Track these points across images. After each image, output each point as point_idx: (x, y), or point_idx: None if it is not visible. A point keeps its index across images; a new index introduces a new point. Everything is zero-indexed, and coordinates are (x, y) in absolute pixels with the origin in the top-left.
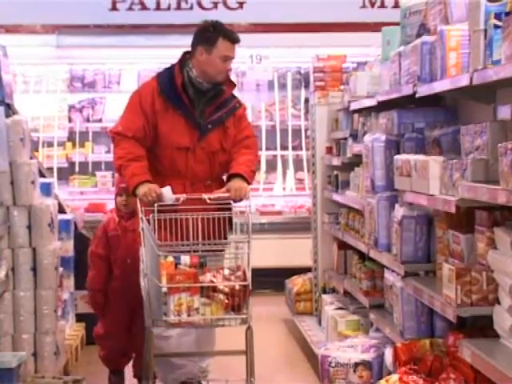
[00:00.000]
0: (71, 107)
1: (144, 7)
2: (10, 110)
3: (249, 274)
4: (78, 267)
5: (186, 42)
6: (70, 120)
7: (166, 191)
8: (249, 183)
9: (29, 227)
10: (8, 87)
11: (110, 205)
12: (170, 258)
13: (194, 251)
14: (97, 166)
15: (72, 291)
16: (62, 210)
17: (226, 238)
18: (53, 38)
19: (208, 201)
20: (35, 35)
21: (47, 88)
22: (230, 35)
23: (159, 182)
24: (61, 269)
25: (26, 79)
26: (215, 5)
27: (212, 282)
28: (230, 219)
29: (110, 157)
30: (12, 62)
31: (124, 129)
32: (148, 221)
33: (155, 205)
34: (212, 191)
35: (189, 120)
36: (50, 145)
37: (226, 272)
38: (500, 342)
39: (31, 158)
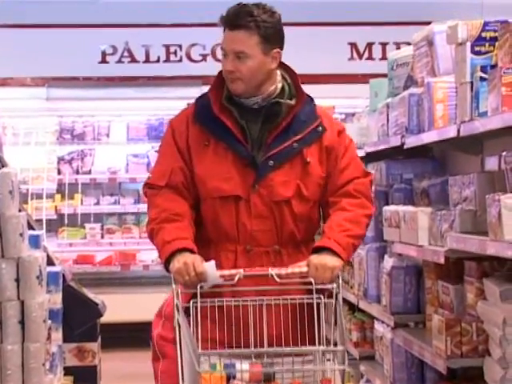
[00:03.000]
0: (60, 159)
1: (133, 59)
2: None
3: None
4: (66, 320)
5: (175, 93)
6: (59, 172)
7: (210, 268)
8: (344, 258)
9: (17, 280)
10: None
11: (99, 257)
12: (219, 369)
13: (257, 356)
14: (86, 217)
15: (60, 344)
16: (50, 262)
17: (303, 340)
18: (42, 90)
19: (277, 279)
20: (25, 88)
21: (36, 140)
22: (225, 19)
23: (204, 250)
24: (49, 321)
25: (15, 131)
26: (204, 57)
27: None
28: (318, 307)
29: (98, 209)
30: (2, 114)
31: (155, 178)
32: (187, 310)
33: (198, 286)
34: (283, 262)
35: (238, 155)
36: (39, 197)
37: None
38: None
39: (20, 210)
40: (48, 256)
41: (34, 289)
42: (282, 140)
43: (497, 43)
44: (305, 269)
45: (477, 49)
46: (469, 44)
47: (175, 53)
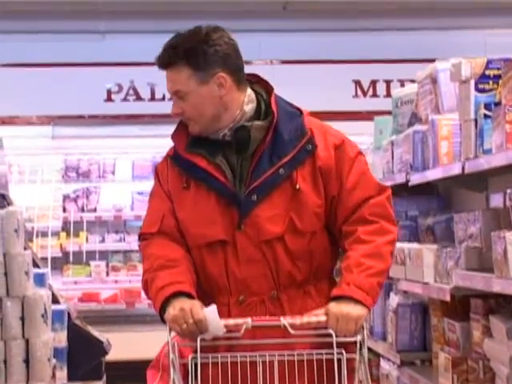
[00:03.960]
0: (66, 197)
1: (139, 97)
2: (4, 200)
3: None
4: (71, 358)
5: None
6: (64, 210)
7: (210, 314)
8: (368, 305)
9: (22, 318)
10: (3, 178)
11: (104, 294)
12: None
13: None
14: (91, 255)
15: (65, 383)
16: (55, 300)
17: None
18: (48, 129)
19: (291, 331)
20: (31, 126)
21: (42, 178)
22: (156, 60)
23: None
24: (54, 360)
25: (21, 169)
26: None
27: None
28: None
29: (103, 246)
30: (8, 152)
31: (147, 226)
32: (184, 367)
33: (198, 338)
34: (283, 310)
35: (220, 194)
36: (45, 235)
37: None
38: None
39: (25, 248)
40: (53, 294)
41: (39, 327)
42: (265, 167)
43: (500, 81)
44: (323, 318)
45: (480, 86)
46: (473, 82)
47: None
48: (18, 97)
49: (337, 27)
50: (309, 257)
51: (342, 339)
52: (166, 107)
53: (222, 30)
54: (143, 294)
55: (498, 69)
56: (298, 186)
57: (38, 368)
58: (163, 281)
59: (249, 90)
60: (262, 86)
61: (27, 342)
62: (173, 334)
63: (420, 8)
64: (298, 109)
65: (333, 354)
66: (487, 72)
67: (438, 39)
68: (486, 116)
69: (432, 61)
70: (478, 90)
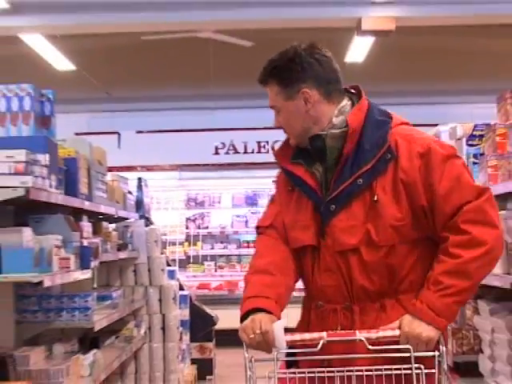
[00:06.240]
0: (188, 219)
1: (236, 151)
2: (148, 221)
3: None
4: (192, 327)
5: (264, 174)
6: (187, 227)
7: (277, 328)
8: (441, 327)
9: (160, 300)
10: (147, 206)
11: (213, 284)
12: None
13: None
14: (205, 258)
15: (188, 343)
16: (181, 288)
17: None
18: (176, 173)
19: (369, 346)
20: (164, 172)
21: (172, 206)
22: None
23: (307, 309)
24: (181, 328)
25: (158, 201)
26: None
27: None
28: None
29: (213, 252)
30: (150, 189)
31: (262, 219)
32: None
33: (275, 354)
34: (354, 322)
35: (312, 201)
36: (174, 244)
37: None
38: (484, 381)
39: (161, 253)
40: (180, 284)
41: (171, 306)
42: (346, 177)
43: (484, 138)
44: (397, 332)
45: (470, 142)
46: (464, 139)
47: (264, 146)
48: (156, 152)
49: None
50: (386, 270)
51: (420, 354)
52: (255, 157)
53: (313, 47)
54: (239, 284)
55: (482, 130)
56: (375, 198)
57: (170, 333)
58: (253, 290)
59: (344, 102)
60: (359, 98)
61: (163, 316)
62: (249, 354)
63: (428, 90)
64: (390, 117)
65: (411, 369)
66: (475, 132)
67: (440, 111)
68: (474, 163)
69: (436, 125)
70: (468, 145)
